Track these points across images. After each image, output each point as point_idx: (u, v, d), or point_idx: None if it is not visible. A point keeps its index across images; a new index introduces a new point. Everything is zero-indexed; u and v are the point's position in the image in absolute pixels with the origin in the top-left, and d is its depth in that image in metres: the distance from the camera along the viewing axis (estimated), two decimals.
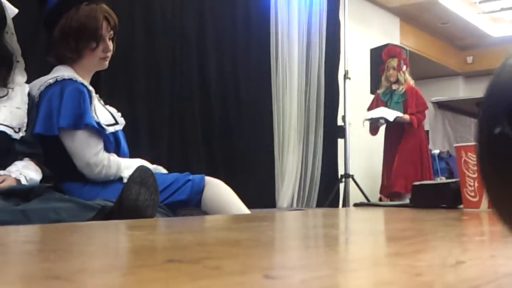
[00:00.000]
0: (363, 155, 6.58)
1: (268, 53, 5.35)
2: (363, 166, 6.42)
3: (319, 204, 5.63)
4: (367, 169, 6.56)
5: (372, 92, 5.93)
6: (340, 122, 5.75)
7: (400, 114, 4.97)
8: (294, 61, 5.59)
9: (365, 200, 5.30)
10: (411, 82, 5.23)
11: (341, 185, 5.54)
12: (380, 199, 6.15)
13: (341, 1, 6.23)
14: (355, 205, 1.88)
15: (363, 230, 1.08)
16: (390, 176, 5.16)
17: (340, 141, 5.78)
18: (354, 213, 1.71)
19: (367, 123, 5.34)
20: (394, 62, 5.09)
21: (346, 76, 5.66)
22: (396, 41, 7.92)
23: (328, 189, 5.62)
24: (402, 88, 5.08)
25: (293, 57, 5.59)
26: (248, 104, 5.03)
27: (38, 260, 0.63)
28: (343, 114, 5.64)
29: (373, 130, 5.34)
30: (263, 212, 2.73)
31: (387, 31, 8.08)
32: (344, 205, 5.37)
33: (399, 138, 5.10)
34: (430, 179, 5.09)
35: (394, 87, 5.12)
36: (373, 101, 5.49)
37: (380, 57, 5.75)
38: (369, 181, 6.16)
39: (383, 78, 5.22)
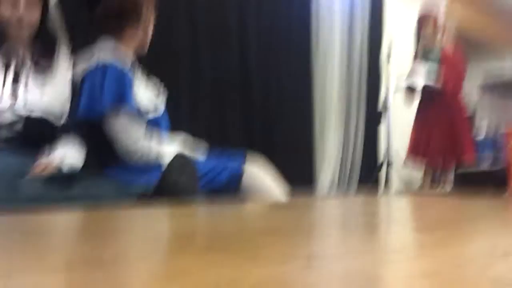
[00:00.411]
0: (406, 140, 6.46)
1: (309, 31, 5.30)
2: (405, 151, 6.31)
3: (359, 191, 5.58)
4: None
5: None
6: (381, 107, 5.65)
7: (430, 80, 4.71)
8: (335, 42, 5.52)
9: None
10: (451, 47, 4.94)
11: (382, 171, 5.47)
12: (423, 186, 6.03)
13: None
14: (397, 192, 1.84)
15: (405, 218, 1.06)
16: (423, 147, 4.92)
17: (382, 126, 5.69)
18: (395, 200, 1.69)
19: (401, 95, 5.16)
20: (429, 28, 4.92)
21: (389, 57, 5.55)
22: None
23: (368, 175, 5.56)
24: (438, 54, 4.89)
25: (334, 36, 5.52)
26: (288, 85, 5.00)
27: (79, 245, 0.63)
28: (385, 97, 5.53)
29: (408, 99, 5.14)
30: (302, 199, 2.72)
31: None
32: (385, 192, 5.30)
33: (433, 107, 4.76)
34: (472, 155, 4.84)
35: (430, 53, 4.94)
36: (410, 70, 5.32)
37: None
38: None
39: (419, 46, 5.05)
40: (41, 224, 0.90)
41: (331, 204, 1.45)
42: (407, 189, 5.17)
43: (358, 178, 5.69)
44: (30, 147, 1.77)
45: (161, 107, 2.07)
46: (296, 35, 5.15)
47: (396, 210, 1.30)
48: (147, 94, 2.05)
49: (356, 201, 1.87)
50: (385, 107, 5.44)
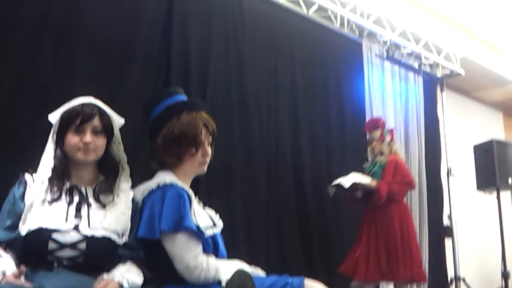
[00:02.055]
0: (475, 255, 6.18)
1: (365, 152, 5.32)
2: (475, 267, 6.00)
3: None
4: (480, 270, 6.11)
5: (478, 188, 5.66)
6: (446, 222, 5.49)
7: (360, 179, 4.29)
8: None
9: None
10: (400, 155, 4.61)
11: None
12: None
13: (438, 97, 6.19)
14: None
15: None
16: (365, 258, 4.19)
17: (448, 242, 5.49)
18: None
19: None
20: (376, 134, 4.53)
21: (449, 173, 5.48)
22: (501, 136, 7.63)
23: None
24: (384, 159, 4.44)
25: None
26: (345, 207, 4.95)
27: None
28: (448, 213, 5.39)
29: (347, 200, 4.51)
30: None
31: (490, 126, 7.83)
32: None
33: (375, 212, 4.31)
34: (419, 266, 4.24)
35: (378, 158, 4.50)
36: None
37: (484, 153, 5.54)
38: (483, 283, 5.72)
39: (368, 152, 4.64)
40: None
41: None
42: None
43: None
44: (93, 265, 1.80)
45: (219, 223, 2.08)
46: (351, 154, 5.20)
47: None
48: (204, 213, 2.08)
49: None
50: (451, 221, 5.29)
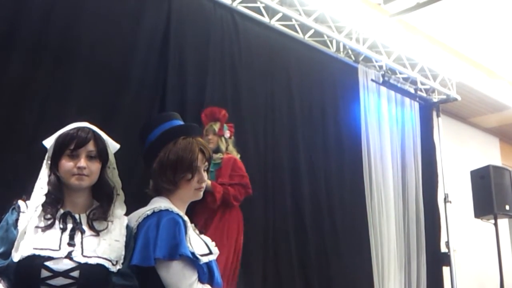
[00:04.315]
0: (473, 283, 6.12)
1: (362, 178, 5.30)
2: None
3: None
4: None
5: (476, 216, 5.63)
6: (443, 249, 5.44)
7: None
8: (389, 185, 5.49)
9: None
10: (237, 156, 3.99)
11: None
12: None
13: (434, 122, 6.19)
14: None
15: None
16: None
17: (446, 269, 5.44)
18: None
19: None
20: (216, 126, 3.93)
21: (446, 200, 5.45)
22: (497, 162, 7.63)
23: None
24: (220, 156, 3.90)
25: (387, 181, 5.50)
26: (344, 231, 4.92)
27: None
28: (446, 240, 5.35)
29: None
30: None
31: (486, 152, 7.83)
32: None
33: (210, 218, 3.76)
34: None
35: (213, 156, 3.74)
36: None
37: (481, 178, 5.52)
38: None
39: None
40: None
41: None
42: None
43: None
44: None
45: (215, 251, 2.05)
46: (349, 179, 5.17)
47: None
48: (200, 240, 2.05)
49: None
50: (448, 248, 5.26)
